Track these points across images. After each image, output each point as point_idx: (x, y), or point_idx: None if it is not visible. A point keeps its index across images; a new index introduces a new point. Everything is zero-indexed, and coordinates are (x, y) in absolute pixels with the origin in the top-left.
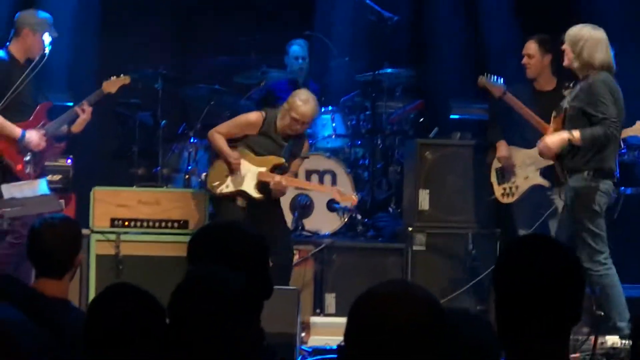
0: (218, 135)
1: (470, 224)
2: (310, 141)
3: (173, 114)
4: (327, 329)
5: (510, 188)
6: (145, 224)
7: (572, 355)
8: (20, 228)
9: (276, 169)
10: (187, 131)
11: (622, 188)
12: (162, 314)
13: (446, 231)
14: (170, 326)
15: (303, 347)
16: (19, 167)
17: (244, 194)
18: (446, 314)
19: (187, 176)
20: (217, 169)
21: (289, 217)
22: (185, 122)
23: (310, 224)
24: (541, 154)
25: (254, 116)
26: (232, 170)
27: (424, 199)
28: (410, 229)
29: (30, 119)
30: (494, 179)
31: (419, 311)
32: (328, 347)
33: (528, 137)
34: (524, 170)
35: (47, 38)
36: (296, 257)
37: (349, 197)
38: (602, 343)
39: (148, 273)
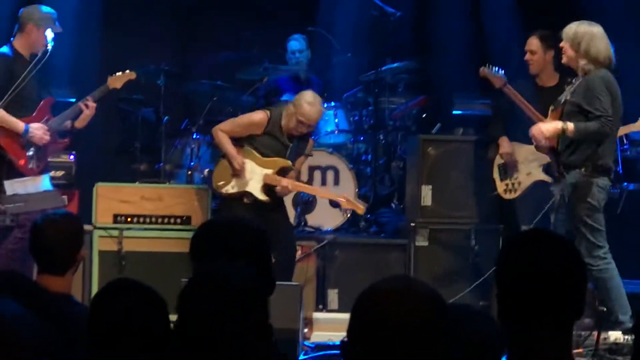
0: (222, 134)
1: (472, 219)
2: (313, 137)
3: (175, 110)
4: (330, 325)
5: (513, 184)
6: (147, 219)
7: (575, 351)
8: (27, 222)
9: (282, 171)
10: (190, 127)
11: (625, 183)
12: (164, 309)
13: (449, 227)
14: (179, 323)
15: (306, 342)
16: (22, 162)
17: (249, 195)
18: (449, 309)
19: (189, 172)
20: (222, 169)
21: (291, 213)
22: (187, 118)
23: (312, 219)
24: (533, 137)
25: (259, 116)
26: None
27: (426, 194)
28: (412, 224)
29: (34, 114)
30: (496, 174)
31: (421, 307)
32: (331, 343)
33: None
34: (526, 166)
35: (49, 33)
36: (299, 253)
37: (357, 205)
38: (604, 339)
39: (151, 269)
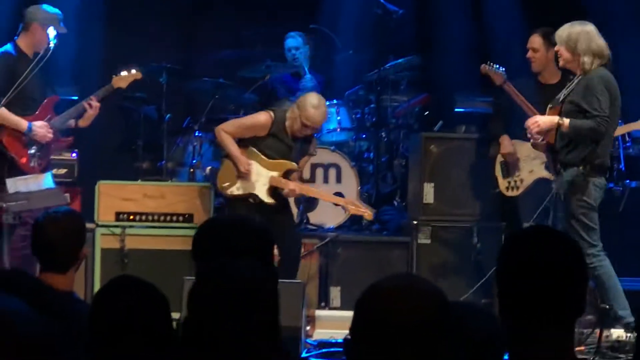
0: (226, 136)
1: (475, 217)
2: (315, 135)
3: (178, 107)
4: (332, 322)
5: (515, 181)
6: (150, 217)
7: (578, 349)
8: (30, 220)
9: (288, 173)
10: (192, 125)
11: (627, 181)
12: (166, 306)
13: (451, 224)
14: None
15: (308, 340)
16: (24, 160)
17: (255, 197)
18: (451, 306)
19: (191, 170)
20: (226, 170)
21: (294, 211)
22: (189, 116)
23: (315, 217)
24: (527, 128)
25: (263, 118)
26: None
27: (428, 192)
28: (415, 222)
29: (37, 112)
30: (498, 172)
31: (424, 304)
32: (333, 341)
33: None
34: (528, 163)
35: (51, 32)
36: (301, 251)
37: (364, 211)
38: (607, 336)
39: (153, 266)
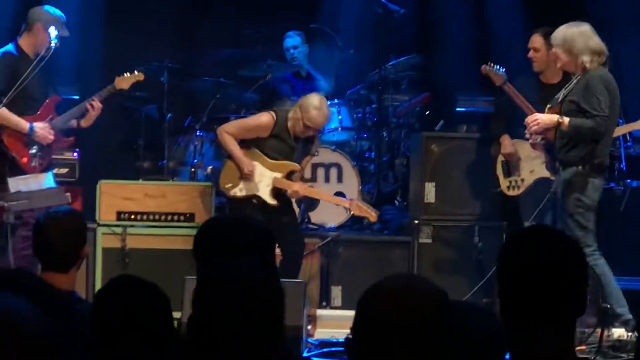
0: (228, 137)
1: (476, 216)
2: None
3: (179, 107)
4: (334, 322)
5: (516, 181)
6: (151, 217)
7: (579, 348)
8: (31, 220)
9: (290, 174)
10: (193, 124)
11: (628, 180)
12: (166, 305)
13: (452, 224)
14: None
15: (309, 339)
16: (25, 160)
17: (258, 199)
18: (453, 306)
19: (193, 169)
20: (229, 171)
21: (295, 210)
22: (191, 115)
23: (316, 216)
24: (527, 125)
25: (265, 119)
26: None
27: (430, 191)
28: (416, 221)
29: (39, 112)
30: (499, 171)
31: (425, 304)
32: (334, 340)
33: None
34: (529, 163)
35: (53, 31)
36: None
37: (368, 213)
38: (608, 335)
39: (154, 266)
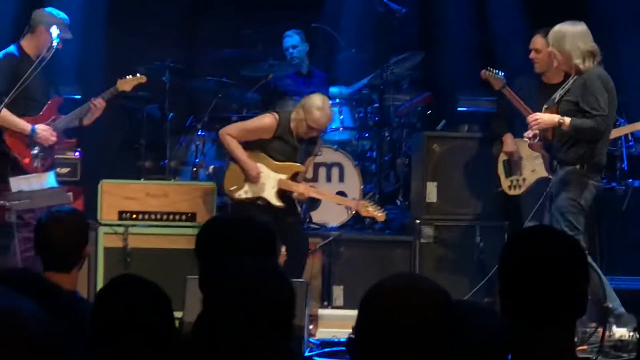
0: (231, 139)
1: (477, 216)
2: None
3: (180, 106)
4: (335, 322)
5: (517, 180)
6: (153, 216)
7: (580, 348)
8: (32, 220)
9: (295, 176)
10: (195, 124)
11: (630, 180)
12: (168, 305)
13: (454, 223)
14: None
15: (311, 339)
16: (27, 160)
17: (263, 200)
18: (455, 306)
19: (194, 169)
20: (233, 173)
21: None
22: (192, 115)
23: (317, 216)
24: (528, 124)
25: (268, 120)
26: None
27: (431, 191)
28: (418, 221)
29: (41, 113)
30: (500, 171)
31: (427, 304)
32: (336, 340)
33: None
34: (531, 162)
35: (54, 30)
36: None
37: (376, 213)
38: (610, 335)
39: (156, 266)
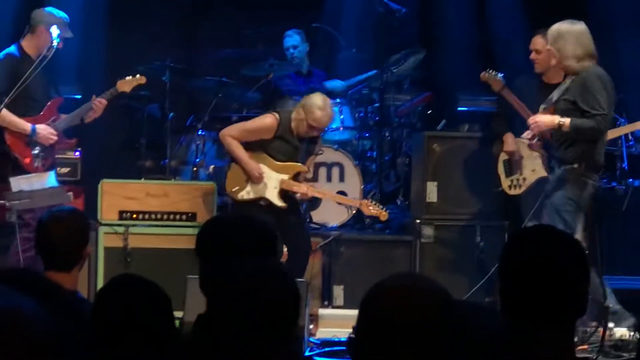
0: (232, 140)
1: (478, 216)
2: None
3: (181, 106)
4: (335, 321)
5: (518, 180)
6: (153, 216)
7: (581, 347)
8: (32, 221)
9: (297, 176)
10: (195, 123)
11: (630, 180)
12: (168, 305)
13: (454, 223)
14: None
15: (311, 339)
16: (27, 160)
17: (266, 200)
18: (455, 305)
19: (195, 168)
20: (235, 174)
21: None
22: (193, 114)
23: (318, 216)
24: (530, 128)
25: (269, 121)
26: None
27: (432, 191)
28: (418, 221)
29: (41, 113)
30: (501, 170)
31: (427, 303)
32: (336, 339)
33: None
34: (531, 162)
35: (54, 30)
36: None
37: (378, 212)
38: (610, 335)
39: (156, 265)
